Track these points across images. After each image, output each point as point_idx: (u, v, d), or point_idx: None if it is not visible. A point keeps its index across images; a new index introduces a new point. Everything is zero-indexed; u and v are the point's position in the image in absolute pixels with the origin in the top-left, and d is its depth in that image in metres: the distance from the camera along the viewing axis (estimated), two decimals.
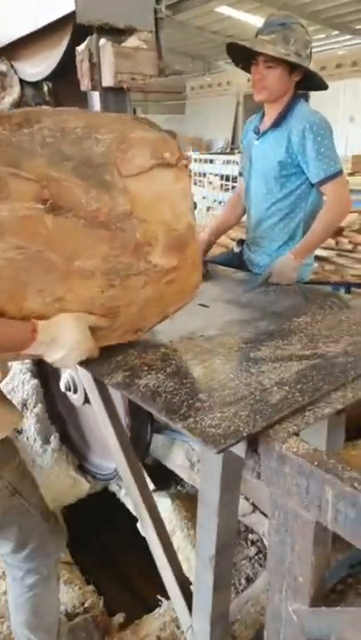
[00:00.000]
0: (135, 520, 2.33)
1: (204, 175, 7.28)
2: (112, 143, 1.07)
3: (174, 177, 1.15)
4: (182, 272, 1.20)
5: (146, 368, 1.27)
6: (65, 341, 1.09)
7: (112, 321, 1.14)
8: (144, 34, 1.54)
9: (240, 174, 2.41)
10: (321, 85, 2.04)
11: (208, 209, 6.84)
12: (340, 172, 1.96)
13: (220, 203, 6.45)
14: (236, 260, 2.38)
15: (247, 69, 2.02)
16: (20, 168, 0.98)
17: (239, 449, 1.03)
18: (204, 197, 6.61)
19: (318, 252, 3.09)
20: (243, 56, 1.98)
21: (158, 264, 1.13)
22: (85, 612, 1.84)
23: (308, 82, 2.01)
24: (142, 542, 2.18)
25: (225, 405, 1.09)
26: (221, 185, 6.73)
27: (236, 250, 2.44)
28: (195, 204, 6.97)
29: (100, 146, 1.05)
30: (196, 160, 8.03)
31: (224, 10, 13.05)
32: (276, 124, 2.02)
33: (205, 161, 7.65)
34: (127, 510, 2.42)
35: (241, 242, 2.43)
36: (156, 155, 1.12)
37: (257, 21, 12.27)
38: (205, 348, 1.38)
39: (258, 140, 2.10)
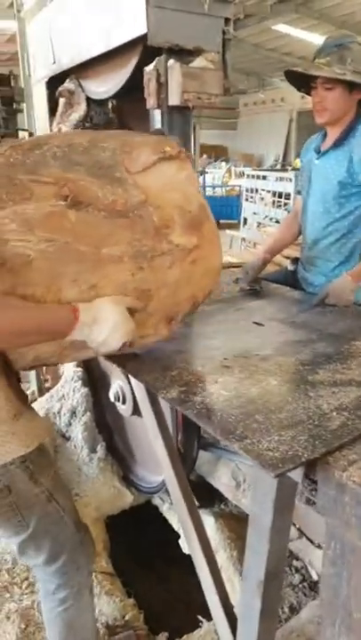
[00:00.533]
0: (177, 535, 2.32)
1: (256, 191, 7.26)
2: (116, 148, 1.19)
3: (178, 167, 1.25)
4: (204, 250, 1.26)
5: (200, 385, 1.27)
6: (106, 322, 1.11)
7: (146, 304, 1.19)
8: (211, 54, 1.56)
9: (298, 192, 2.40)
10: None
11: (259, 225, 6.81)
12: None
13: (271, 219, 6.42)
14: (290, 279, 2.36)
15: (309, 93, 2.03)
16: (38, 175, 1.09)
17: (296, 474, 1.00)
18: (255, 213, 6.59)
19: None
20: (302, 81, 2.00)
21: (180, 243, 1.20)
22: (125, 626, 1.84)
23: None
24: (182, 558, 2.18)
25: (282, 428, 1.07)
26: (273, 202, 6.70)
27: (290, 268, 2.41)
28: (245, 219, 6.97)
29: (106, 152, 1.17)
30: (248, 176, 8.04)
31: (281, 27, 13.09)
32: (338, 143, 2.00)
33: (257, 177, 7.64)
34: (169, 525, 2.41)
35: (295, 260, 2.40)
36: (157, 151, 1.22)
37: (314, 39, 12.24)
38: (261, 367, 1.36)
39: (318, 159, 2.09)
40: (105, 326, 1.11)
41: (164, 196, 1.20)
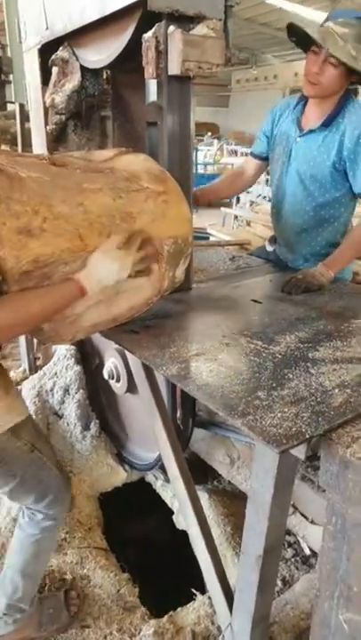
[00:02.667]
0: (170, 512, 2.34)
1: None
2: (82, 153, 1.51)
3: (134, 155, 1.50)
4: (172, 197, 1.44)
5: (201, 362, 1.26)
6: (108, 274, 1.24)
7: (131, 225, 1.32)
8: (213, 22, 1.49)
9: (253, 154, 2.27)
10: None
11: (251, 203, 6.75)
12: None
13: (264, 197, 6.35)
14: (272, 257, 2.32)
15: (303, 48, 1.84)
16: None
17: (299, 451, 1.00)
18: (248, 192, 6.52)
19: None
20: (302, 38, 1.78)
21: (149, 187, 1.39)
22: (121, 600, 1.86)
23: None
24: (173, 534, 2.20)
25: (285, 405, 1.06)
26: (267, 180, 6.63)
27: (270, 249, 2.35)
28: (238, 197, 6.88)
29: (75, 155, 1.46)
30: (242, 154, 7.87)
31: (275, 0, 12.80)
32: (327, 123, 1.87)
33: (246, 154, 7.47)
34: (162, 502, 2.43)
35: (273, 239, 2.34)
36: (114, 150, 1.52)
37: (308, 13, 11.99)
38: (261, 344, 1.35)
39: (301, 137, 1.95)
40: (110, 276, 1.25)
41: (129, 167, 1.42)
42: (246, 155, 2.61)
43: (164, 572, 2.11)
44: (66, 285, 1.20)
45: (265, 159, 2.24)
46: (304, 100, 1.99)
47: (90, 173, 1.33)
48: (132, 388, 2.12)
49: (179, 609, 1.82)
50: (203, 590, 1.83)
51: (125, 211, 1.31)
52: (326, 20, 1.77)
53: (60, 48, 1.99)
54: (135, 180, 1.38)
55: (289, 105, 2.07)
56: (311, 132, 1.92)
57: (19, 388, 2.90)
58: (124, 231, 1.29)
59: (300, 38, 1.82)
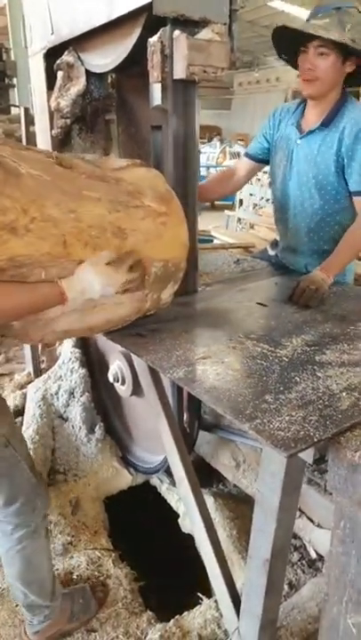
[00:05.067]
0: (176, 515, 2.34)
1: None
2: (94, 157, 1.51)
3: (146, 170, 1.50)
4: (172, 219, 1.42)
5: (207, 365, 1.26)
6: (91, 287, 1.22)
7: (122, 242, 1.28)
8: (218, 26, 1.50)
9: (247, 154, 2.25)
10: None
11: (255, 206, 6.75)
12: None
13: (267, 200, 6.35)
14: (274, 260, 2.31)
15: (292, 62, 1.87)
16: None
17: (307, 454, 1.00)
18: (251, 194, 6.52)
19: None
20: (289, 46, 1.82)
21: (151, 205, 1.37)
22: (127, 604, 1.86)
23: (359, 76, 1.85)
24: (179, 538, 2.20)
25: (293, 408, 1.06)
26: (270, 183, 6.63)
27: (271, 252, 2.34)
28: (241, 200, 6.89)
29: (86, 159, 1.44)
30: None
31: (277, 4, 12.85)
32: (326, 123, 1.87)
33: None
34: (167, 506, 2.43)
35: (275, 243, 2.33)
36: (128, 160, 1.51)
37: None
38: (268, 348, 1.35)
39: (301, 139, 1.95)
40: (93, 290, 1.23)
41: (136, 181, 1.40)
42: None
43: (169, 575, 2.10)
44: (47, 287, 1.18)
45: (259, 161, 2.23)
46: (303, 103, 2.00)
47: (93, 181, 1.30)
48: (137, 390, 2.12)
49: (185, 613, 1.82)
50: (209, 594, 1.83)
51: (119, 226, 1.28)
52: (308, 19, 1.80)
53: (66, 52, 2.00)
54: (138, 196, 1.36)
55: (289, 110, 2.07)
56: (311, 132, 1.92)
57: (23, 391, 2.91)
58: (113, 246, 1.26)
59: (286, 46, 1.86)
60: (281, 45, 1.89)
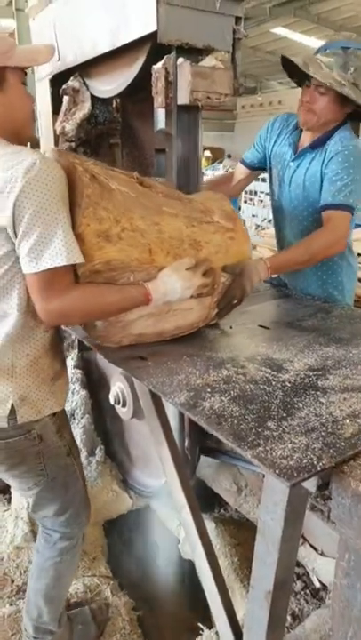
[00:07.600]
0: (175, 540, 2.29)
1: (255, 193, 7.22)
2: (164, 181, 1.66)
3: (212, 192, 1.69)
4: (237, 235, 1.57)
5: (209, 390, 1.25)
6: (175, 289, 1.36)
7: (197, 253, 1.45)
8: (221, 54, 1.53)
9: (243, 162, 2.24)
10: None
11: (257, 227, 6.80)
12: (350, 209, 1.78)
13: (269, 222, 6.40)
14: (275, 282, 2.31)
15: (300, 85, 1.89)
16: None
17: (310, 483, 0.98)
18: (253, 215, 6.58)
19: None
20: (297, 72, 1.84)
21: (220, 222, 1.53)
22: (126, 632, 1.81)
23: None
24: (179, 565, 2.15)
25: (296, 436, 1.04)
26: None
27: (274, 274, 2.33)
28: (243, 221, 6.95)
29: (160, 181, 1.61)
30: None
31: (280, 31, 13.12)
32: (314, 145, 1.89)
33: (256, 179, 7.55)
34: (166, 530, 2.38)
35: None
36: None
37: (312, 42, 12.27)
38: (270, 372, 1.34)
39: (293, 161, 1.96)
40: (175, 292, 1.37)
41: (205, 201, 1.57)
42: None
43: (169, 603, 2.05)
44: (136, 289, 1.32)
45: (255, 169, 2.24)
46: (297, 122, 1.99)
47: (170, 199, 1.46)
48: (137, 413, 2.10)
49: None
50: (210, 623, 1.78)
51: (194, 238, 1.45)
52: (316, 52, 1.82)
53: (72, 78, 2.04)
54: (208, 214, 1.52)
55: (288, 124, 2.06)
56: (302, 154, 1.93)
57: None
58: (190, 256, 1.42)
59: (294, 71, 1.87)
60: (290, 71, 1.91)
